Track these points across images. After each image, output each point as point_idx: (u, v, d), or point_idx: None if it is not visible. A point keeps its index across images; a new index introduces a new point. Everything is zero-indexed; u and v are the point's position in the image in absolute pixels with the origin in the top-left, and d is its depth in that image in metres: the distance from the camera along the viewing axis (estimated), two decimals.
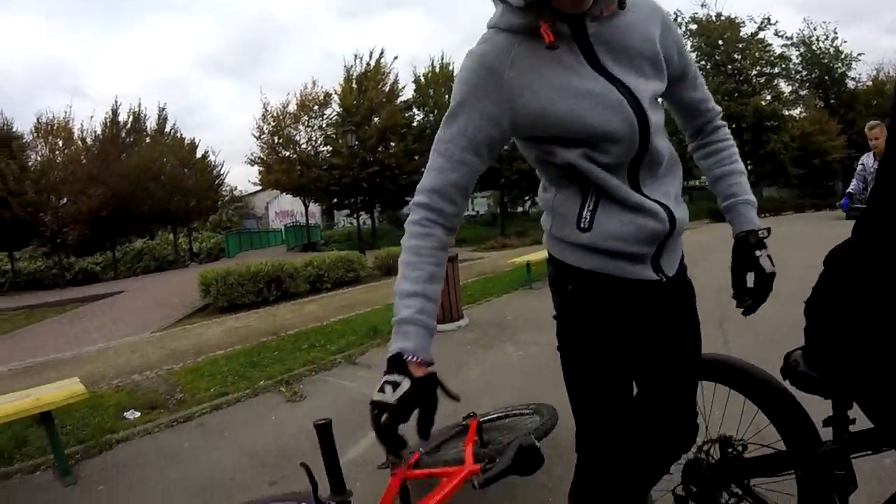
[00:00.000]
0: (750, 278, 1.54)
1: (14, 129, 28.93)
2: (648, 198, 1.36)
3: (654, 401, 1.59)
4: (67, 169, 28.35)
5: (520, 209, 41.31)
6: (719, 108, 1.60)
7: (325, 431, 1.68)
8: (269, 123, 29.29)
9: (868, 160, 5.55)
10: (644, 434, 1.60)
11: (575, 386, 1.59)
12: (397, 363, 1.27)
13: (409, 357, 1.28)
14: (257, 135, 29.45)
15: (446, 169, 1.32)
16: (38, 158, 28.76)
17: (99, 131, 31.36)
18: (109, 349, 8.41)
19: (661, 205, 1.37)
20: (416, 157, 27.39)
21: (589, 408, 1.58)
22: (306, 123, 29.70)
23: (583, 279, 1.43)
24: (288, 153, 29.22)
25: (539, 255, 10.55)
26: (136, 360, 7.19)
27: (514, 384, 4.44)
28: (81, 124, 37.15)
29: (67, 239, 30.05)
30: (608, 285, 1.42)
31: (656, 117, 1.34)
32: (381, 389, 1.24)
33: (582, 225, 1.37)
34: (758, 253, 1.51)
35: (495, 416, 3.45)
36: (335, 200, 30.50)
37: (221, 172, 34.75)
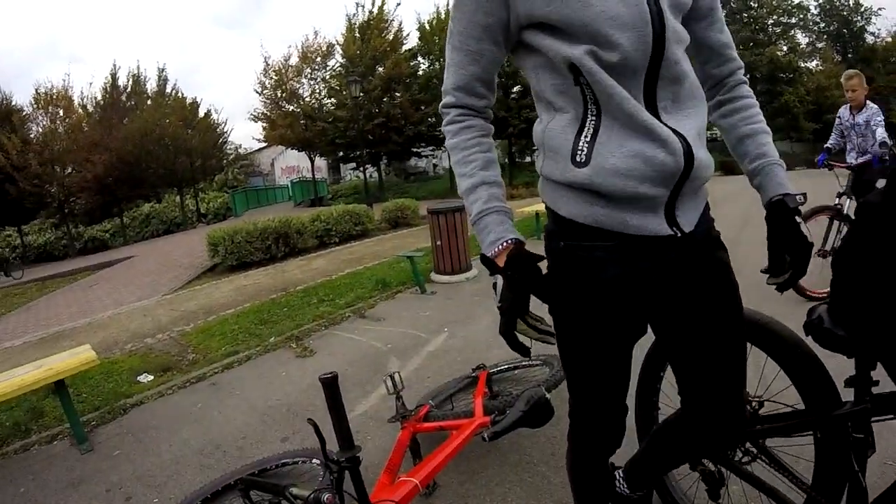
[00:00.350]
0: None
1: (13, 103, 28.82)
2: (661, 122, 1.12)
3: (689, 380, 1.39)
4: (70, 138, 28.23)
5: (528, 159, 40.92)
6: (742, 62, 1.41)
7: (331, 386, 1.66)
8: (271, 78, 28.78)
9: (844, 112, 5.22)
10: (681, 415, 1.48)
11: (567, 354, 1.41)
12: (489, 262, 1.25)
13: (496, 249, 1.24)
14: (259, 90, 29.04)
15: (465, 63, 1.24)
16: (40, 130, 28.64)
17: (99, 97, 31.28)
18: (122, 314, 8.47)
19: (678, 135, 1.12)
20: (423, 108, 26.92)
21: (581, 378, 1.42)
22: (309, 76, 29.17)
23: (577, 236, 1.22)
24: (291, 107, 28.80)
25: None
26: (148, 324, 7.24)
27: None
28: (81, 91, 37.28)
29: (75, 208, 30.18)
30: (608, 245, 1.19)
31: (677, 25, 1.14)
32: (494, 285, 1.25)
33: (578, 158, 1.14)
34: (797, 219, 1.28)
35: (505, 367, 3.44)
36: (341, 154, 30.24)
37: (225, 131, 34.56)
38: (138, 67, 32.84)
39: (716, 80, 1.42)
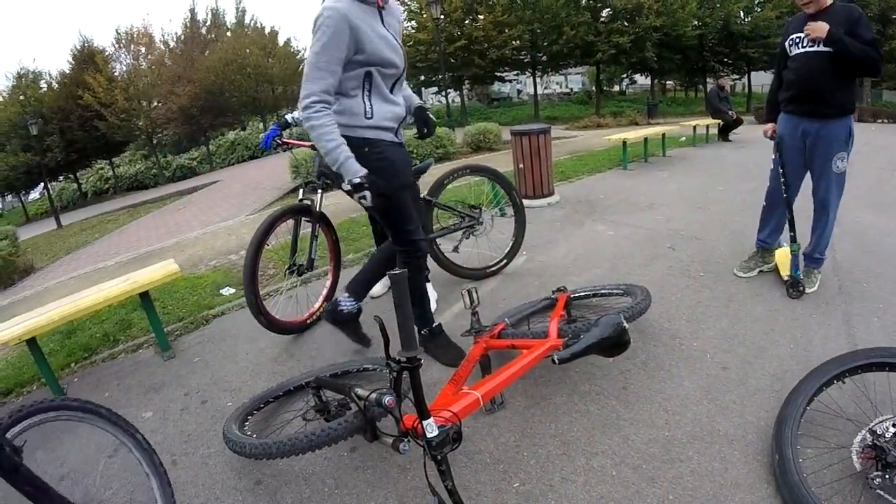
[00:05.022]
0: None
1: (95, 45, 30.00)
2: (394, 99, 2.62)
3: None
4: (153, 73, 29.48)
5: (616, 88, 39.10)
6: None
7: (399, 283, 1.58)
8: None
9: None
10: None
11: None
12: (358, 185, 2.39)
13: (361, 177, 2.39)
14: None
15: (328, 77, 2.35)
16: (124, 68, 29.90)
17: (179, 32, 32.15)
18: (207, 234, 8.80)
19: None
20: (506, 30, 25.89)
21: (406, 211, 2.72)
22: None
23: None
24: None
25: (635, 134, 9.93)
26: (232, 242, 7.48)
27: (603, 264, 4.22)
28: (162, 29, 38.87)
29: (163, 139, 31.60)
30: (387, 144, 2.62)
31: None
32: (363, 197, 2.40)
33: (367, 115, 2.52)
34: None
35: (585, 293, 3.30)
36: (422, 78, 29.75)
37: (305, 58, 34.66)
38: (216, 1, 33.78)
39: None
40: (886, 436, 1.77)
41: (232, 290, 4.85)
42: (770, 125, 3.55)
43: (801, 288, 3.30)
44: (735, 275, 3.70)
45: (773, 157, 3.51)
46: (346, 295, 3.06)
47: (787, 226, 3.49)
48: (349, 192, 3.47)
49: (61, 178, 33.14)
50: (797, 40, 3.20)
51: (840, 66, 3.03)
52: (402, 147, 2.76)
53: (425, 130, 2.92)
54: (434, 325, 3.00)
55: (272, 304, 3.70)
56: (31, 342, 3.05)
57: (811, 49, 3.12)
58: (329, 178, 3.59)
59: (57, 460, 2.53)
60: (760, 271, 3.70)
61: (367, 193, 2.38)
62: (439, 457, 1.62)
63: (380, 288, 4.09)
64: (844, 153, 3.20)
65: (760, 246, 3.72)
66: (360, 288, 3.14)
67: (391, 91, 2.61)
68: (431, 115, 2.96)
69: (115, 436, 1.87)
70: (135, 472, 2.02)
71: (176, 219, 12.96)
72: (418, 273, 2.90)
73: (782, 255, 3.56)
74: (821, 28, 2.97)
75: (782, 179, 3.41)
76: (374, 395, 1.75)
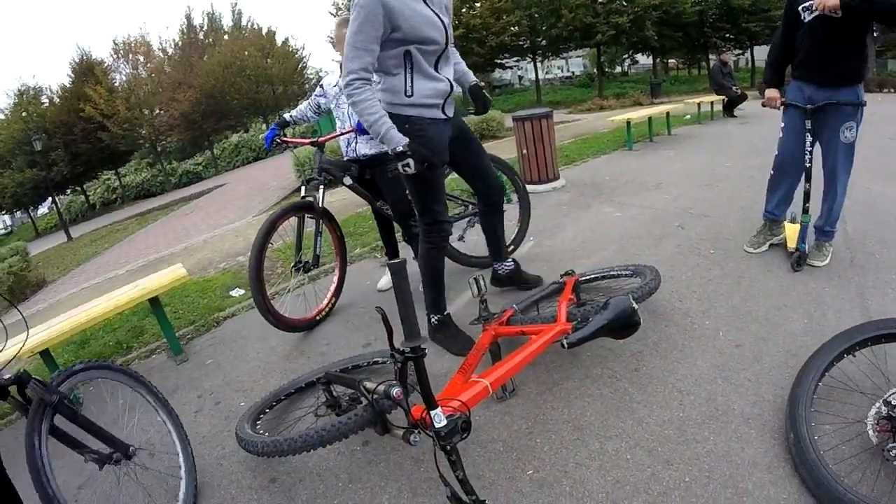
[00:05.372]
0: None
1: (93, 57, 30.24)
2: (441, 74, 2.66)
3: (475, 182, 3.26)
4: (153, 80, 29.71)
5: (618, 69, 38.78)
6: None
7: (398, 272, 1.56)
8: None
9: None
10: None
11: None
12: (401, 153, 2.46)
13: (404, 146, 2.47)
14: (334, 12, 28.70)
15: (366, 56, 2.42)
16: (123, 78, 30.20)
17: (177, 39, 32.28)
18: (215, 237, 8.83)
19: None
20: (505, 16, 25.71)
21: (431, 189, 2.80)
22: None
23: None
24: None
25: (639, 113, 9.85)
26: (240, 244, 7.50)
27: (610, 245, 4.18)
28: (159, 37, 39.02)
29: (167, 146, 31.79)
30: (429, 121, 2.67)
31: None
32: (407, 165, 2.46)
33: (407, 93, 2.58)
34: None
35: (594, 275, 3.26)
36: None
37: (304, 56, 34.75)
38: (212, 6, 34.04)
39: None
40: None
41: (241, 292, 4.87)
42: (774, 93, 3.40)
43: (804, 260, 3.27)
44: (745, 251, 3.65)
45: (782, 125, 3.43)
46: (496, 263, 3.47)
47: (800, 197, 3.42)
48: (351, 187, 3.49)
49: (68, 191, 33.48)
50: (806, 4, 3.04)
51: (854, 31, 2.92)
52: (448, 123, 2.78)
53: (481, 108, 2.98)
54: (444, 313, 3.00)
55: (280, 302, 3.70)
56: (45, 354, 3.07)
57: (822, 15, 2.97)
58: (331, 175, 3.56)
59: (104, 412, 2.57)
60: (771, 244, 3.64)
61: (411, 161, 2.43)
62: (448, 447, 1.61)
63: (386, 281, 4.08)
64: (853, 122, 3.11)
65: (768, 218, 3.66)
66: (497, 250, 3.43)
67: (435, 67, 2.63)
68: (487, 94, 3.00)
69: (139, 392, 2.37)
70: (154, 419, 2.43)
71: (184, 224, 13.02)
72: (438, 253, 2.94)
73: (792, 230, 3.51)
74: (826, 6, 2.88)
75: (809, 149, 3.27)
76: (382, 388, 1.74)
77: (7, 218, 40.67)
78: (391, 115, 2.51)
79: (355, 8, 2.38)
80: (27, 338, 2.08)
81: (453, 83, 2.73)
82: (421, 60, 2.54)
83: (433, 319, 2.99)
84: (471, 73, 2.96)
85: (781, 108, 3.36)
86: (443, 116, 2.72)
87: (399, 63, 2.53)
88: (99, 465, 2.03)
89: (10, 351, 2.02)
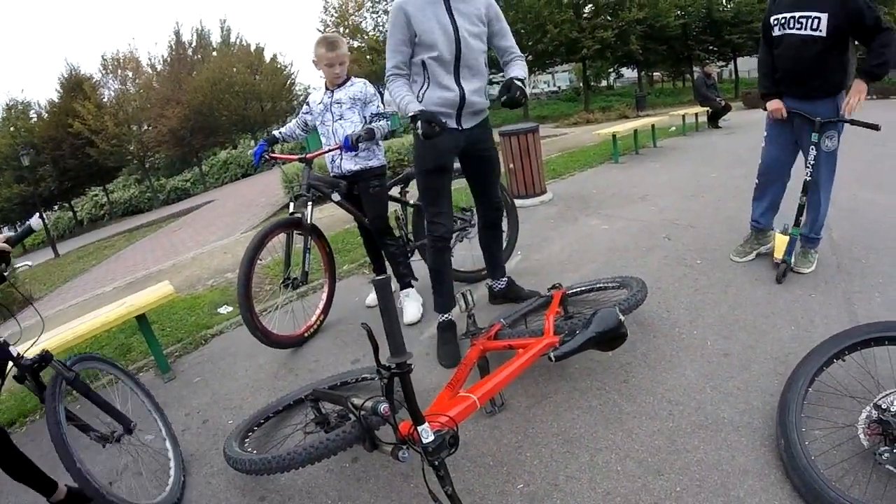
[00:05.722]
0: None
1: (82, 73, 30.20)
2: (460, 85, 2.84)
3: (478, 193, 3.33)
4: (142, 96, 29.70)
5: (603, 83, 39.10)
6: (517, 50, 2.98)
7: (382, 288, 1.56)
8: (332, 15, 28.59)
9: None
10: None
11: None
12: (423, 114, 2.60)
13: (417, 109, 2.66)
14: (322, 29, 28.87)
15: (397, 55, 2.78)
16: (112, 94, 30.25)
17: (165, 54, 32.34)
18: (203, 254, 8.77)
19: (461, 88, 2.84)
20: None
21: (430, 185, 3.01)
22: (371, 9, 28.69)
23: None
24: (356, 43, 28.49)
25: (625, 126, 9.93)
26: (227, 261, 7.45)
27: (598, 258, 4.20)
28: (148, 53, 39.18)
29: (155, 163, 31.75)
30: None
31: (471, 42, 2.81)
32: (416, 127, 2.61)
33: (419, 99, 2.80)
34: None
35: (581, 288, 3.27)
36: None
37: (292, 73, 34.88)
38: (200, 23, 34.16)
39: (503, 59, 3.00)
40: (892, 409, 1.74)
41: (229, 309, 4.83)
42: (777, 104, 3.31)
43: (788, 272, 3.30)
44: (732, 259, 3.68)
45: (765, 134, 3.47)
46: (491, 280, 3.55)
47: (786, 206, 3.45)
48: (339, 203, 3.50)
49: (56, 206, 33.25)
50: (783, 21, 3.10)
51: (831, 48, 2.97)
52: (461, 134, 2.93)
53: (506, 100, 2.75)
54: (448, 319, 3.08)
55: (269, 319, 3.67)
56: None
57: (797, 33, 3.03)
58: (319, 191, 3.56)
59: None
60: (758, 254, 3.67)
61: (420, 122, 2.58)
62: (436, 462, 1.60)
63: (374, 298, 4.07)
64: (834, 132, 3.15)
65: (755, 227, 3.69)
66: (493, 267, 3.52)
67: (456, 78, 2.80)
68: (519, 85, 2.73)
69: (126, 384, 2.68)
70: (140, 406, 2.69)
71: (172, 240, 12.96)
72: (435, 253, 3.06)
73: (781, 240, 3.51)
74: (859, 101, 2.96)
75: (812, 163, 3.23)
76: (369, 404, 1.73)
77: None
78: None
79: (389, 16, 2.78)
80: (42, 332, 2.43)
81: (467, 95, 2.83)
82: (436, 70, 2.75)
83: (443, 318, 3.11)
84: (515, 69, 2.88)
85: (784, 116, 3.31)
86: (454, 126, 2.86)
87: (419, 71, 2.80)
88: (102, 444, 2.32)
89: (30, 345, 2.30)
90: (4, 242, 2.06)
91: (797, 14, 3.02)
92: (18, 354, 2.15)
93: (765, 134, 3.48)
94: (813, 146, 3.21)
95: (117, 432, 2.34)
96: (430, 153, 2.87)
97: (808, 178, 3.28)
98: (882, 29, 2.87)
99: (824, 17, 2.91)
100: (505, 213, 4.15)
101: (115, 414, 2.35)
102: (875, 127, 3.04)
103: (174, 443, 2.55)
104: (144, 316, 3.53)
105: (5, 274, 2.19)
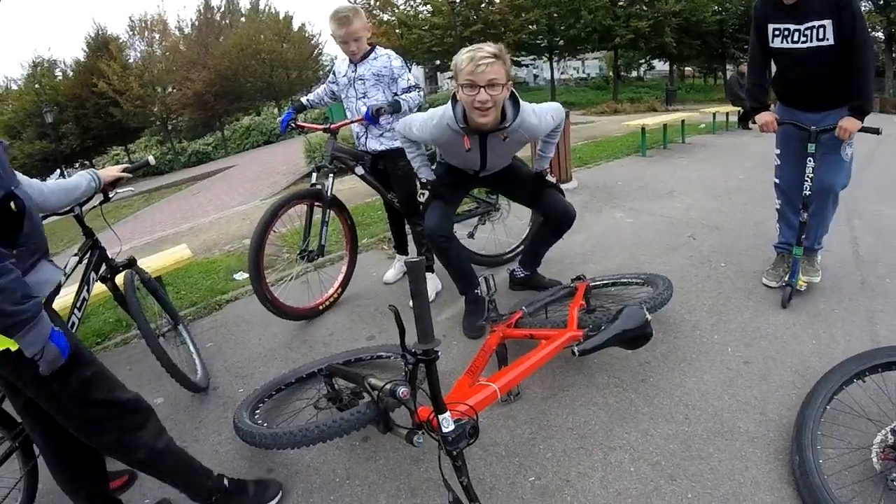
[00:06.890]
0: None
1: (109, 33, 30.28)
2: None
3: (538, 207, 3.49)
4: (168, 59, 29.69)
5: (634, 73, 38.57)
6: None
7: (415, 270, 1.52)
8: None
9: None
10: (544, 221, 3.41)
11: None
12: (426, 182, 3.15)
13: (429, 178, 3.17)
14: (353, 1, 28.64)
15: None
16: (138, 55, 30.27)
17: (193, 18, 32.34)
18: (222, 219, 8.81)
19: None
20: (524, 14, 25.62)
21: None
22: None
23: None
24: (386, 16, 28.24)
25: (654, 120, 9.79)
26: (246, 227, 7.46)
27: (622, 252, 4.14)
28: (177, 16, 39.02)
29: (178, 125, 31.79)
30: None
31: (496, 159, 3.03)
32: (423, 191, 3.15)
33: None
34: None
35: (605, 282, 3.24)
36: (438, 62, 29.62)
37: (320, 42, 34.70)
38: None
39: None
40: None
41: (245, 275, 4.81)
42: (769, 116, 3.11)
43: (791, 297, 3.08)
44: (764, 284, 3.37)
45: (777, 151, 3.27)
46: (519, 267, 3.54)
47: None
48: (362, 177, 3.46)
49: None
50: (786, 33, 2.86)
51: (842, 59, 2.77)
52: (476, 174, 3.19)
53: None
54: (478, 293, 3.09)
55: (282, 289, 3.66)
56: None
57: (803, 46, 2.81)
58: (342, 163, 3.52)
59: None
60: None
61: (426, 192, 3.13)
62: (455, 452, 1.58)
63: (392, 274, 4.04)
64: (851, 139, 2.94)
65: (782, 251, 3.41)
66: (530, 263, 3.51)
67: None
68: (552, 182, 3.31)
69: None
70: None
71: (191, 204, 13.02)
72: (439, 254, 3.08)
73: None
74: (852, 128, 2.79)
75: (811, 175, 2.99)
76: (388, 386, 1.70)
77: None
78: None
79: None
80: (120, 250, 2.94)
81: (489, 163, 2.99)
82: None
83: (469, 294, 3.17)
84: (544, 161, 3.29)
85: (775, 130, 3.13)
86: (471, 174, 3.17)
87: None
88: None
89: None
90: (123, 171, 2.51)
91: (802, 27, 2.78)
92: (112, 257, 2.80)
93: (777, 152, 3.28)
94: (810, 157, 2.97)
95: (169, 327, 3.08)
96: (446, 183, 3.18)
97: (807, 193, 3.02)
98: (866, 49, 2.73)
99: (829, 23, 2.69)
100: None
101: (169, 306, 3.13)
102: (876, 131, 2.92)
103: (196, 348, 3.13)
104: (160, 278, 3.52)
105: (111, 195, 2.62)
